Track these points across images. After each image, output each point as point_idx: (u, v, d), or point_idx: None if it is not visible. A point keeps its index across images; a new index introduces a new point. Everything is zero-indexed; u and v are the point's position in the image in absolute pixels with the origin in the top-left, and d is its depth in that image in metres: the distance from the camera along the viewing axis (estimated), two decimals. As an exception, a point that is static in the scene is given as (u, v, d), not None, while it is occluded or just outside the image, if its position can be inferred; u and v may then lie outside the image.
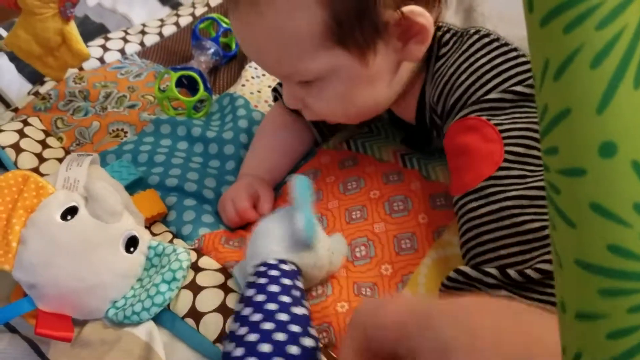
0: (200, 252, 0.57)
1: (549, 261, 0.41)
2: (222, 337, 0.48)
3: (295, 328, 0.42)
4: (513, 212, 0.44)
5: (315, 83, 0.53)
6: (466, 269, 0.44)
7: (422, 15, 0.50)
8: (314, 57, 0.50)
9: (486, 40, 0.52)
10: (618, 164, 0.16)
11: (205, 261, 0.55)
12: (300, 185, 0.49)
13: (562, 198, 0.17)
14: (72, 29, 0.71)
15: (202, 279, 0.53)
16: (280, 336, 0.41)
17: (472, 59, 0.52)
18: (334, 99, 0.54)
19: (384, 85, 0.55)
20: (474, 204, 0.47)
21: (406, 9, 0.49)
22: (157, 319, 0.50)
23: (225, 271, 0.54)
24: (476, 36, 0.53)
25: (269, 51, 0.52)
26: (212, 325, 0.49)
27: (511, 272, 0.42)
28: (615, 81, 0.16)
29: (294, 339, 0.41)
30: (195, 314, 0.50)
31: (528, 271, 0.41)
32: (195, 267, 0.54)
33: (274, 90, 0.72)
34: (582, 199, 0.17)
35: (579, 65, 0.16)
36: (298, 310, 0.44)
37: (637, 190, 0.16)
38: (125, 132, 0.74)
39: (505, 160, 0.46)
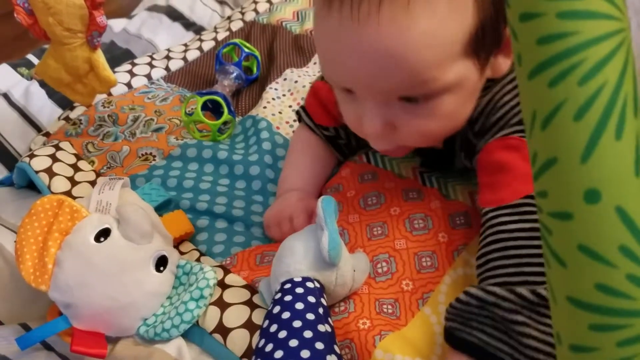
0: (227, 269, 0.58)
1: None
2: (249, 352, 0.50)
3: (320, 345, 0.43)
4: None
5: (424, 101, 0.48)
6: (480, 293, 0.44)
7: None
8: (451, 66, 0.46)
9: None
10: (603, 210, 0.17)
11: (231, 278, 0.57)
12: (325, 205, 0.50)
13: (554, 239, 0.19)
14: (100, 56, 0.73)
15: (228, 296, 0.54)
16: (305, 353, 0.42)
17: (516, 81, 0.52)
18: (444, 115, 0.49)
19: (474, 102, 0.53)
20: (506, 219, 0.47)
21: None
22: (186, 334, 0.52)
23: (250, 287, 0.56)
24: None
25: (407, 59, 0.44)
26: (239, 341, 0.51)
27: (526, 292, 0.42)
28: (598, 133, 0.17)
29: (318, 356, 0.42)
30: (222, 330, 0.52)
31: (542, 291, 0.42)
32: (222, 284, 0.56)
33: (297, 112, 0.73)
34: (571, 240, 0.18)
35: (563, 117, 0.18)
36: (323, 328, 0.45)
37: (622, 234, 0.17)
38: (154, 156, 0.77)
39: None
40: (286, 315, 0.46)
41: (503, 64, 0.51)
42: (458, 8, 0.44)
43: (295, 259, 0.50)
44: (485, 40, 0.47)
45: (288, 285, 0.49)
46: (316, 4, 0.48)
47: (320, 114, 0.69)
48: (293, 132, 0.79)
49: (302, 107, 0.72)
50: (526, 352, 0.42)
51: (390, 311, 0.52)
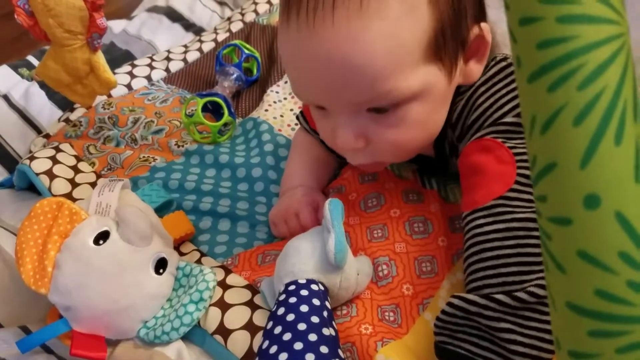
0: (228, 269, 0.59)
1: (543, 286, 0.41)
2: (250, 354, 0.50)
3: (324, 349, 0.43)
4: (518, 234, 0.44)
5: (393, 110, 0.48)
6: (462, 303, 0.44)
7: (489, 32, 0.49)
8: (413, 72, 0.45)
9: (503, 64, 0.52)
10: (602, 215, 0.17)
11: (232, 279, 0.57)
12: (333, 207, 0.50)
13: (553, 244, 0.18)
14: (100, 58, 0.74)
15: (229, 297, 0.54)
16: (309, 357, 0.42)
17: (490, 83, 0.52)
18: (416, 124, 0.49)
19: (446, 109, 0.52)
20: (482, 221, 0.47)
21: (483, 24, 0.49)
22: (188, 335, 0.52)
23: (251, 287, 0.56)
24: (493, 62, 0.53)
25: (366, 66, 0.44)
26: (239, 343, 0.51)
27: (502, 297, 0.42)
28: (597, 138, 0.17)
29: None
30: (223, 331, 0.51)
31: (520, 293, 0.41)
32: (223, 285, 0.56)
33: (297, 117, 0.74)
34: (571, 246, 0.18)
35: (562, 122, 0.17)
36: (327, 332, 0.45)
37: (622, 240, 0.17)
38: (155, 159, 0.77)
39: (517, 182, 0.46)
40: (290, 317, 0.46)
41: (475, 70, 0.51)
42: (411, 9, 0.43)
43: (301, 259, 0.50)
44: (447, 44, 0.46)
45: (292, 287, 0.48)
46: (279, 19, 0.49)
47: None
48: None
49: (301, 112, 0.73)
50: (514, 358, 0.42)
51: (391, 319, 0.52)
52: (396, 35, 0.43)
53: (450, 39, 0.46)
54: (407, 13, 0.43)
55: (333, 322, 0.48)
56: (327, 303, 0.48)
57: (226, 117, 0.79)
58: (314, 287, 0.48)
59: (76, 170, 0.74)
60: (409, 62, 0.45)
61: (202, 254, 0.63)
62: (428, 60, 0.46)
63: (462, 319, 0.44)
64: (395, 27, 0.43)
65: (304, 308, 0.46)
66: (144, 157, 0.77)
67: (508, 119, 0.50)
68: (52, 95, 0.92)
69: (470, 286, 0.47)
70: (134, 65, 1.00)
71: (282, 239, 0.64)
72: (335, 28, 0.43)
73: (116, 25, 1.17)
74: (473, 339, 0.44)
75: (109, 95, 0.90)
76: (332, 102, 0.49)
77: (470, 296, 0.44)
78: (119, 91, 0.92)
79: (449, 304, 0.45)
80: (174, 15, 1.21)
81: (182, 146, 0.79)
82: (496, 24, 0.54)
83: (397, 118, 0.48)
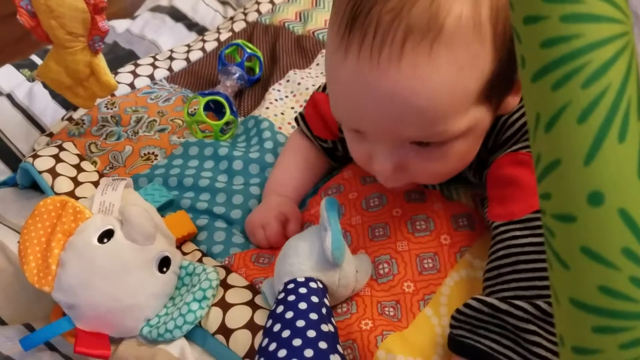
0: (229, 269, 0.59)
1: None
2: (251, 353, 0.50)
3: (323, 345, 0.44)
4: None
5: (437, 145, 0.48)
6: (493, 300, 0.44)
7: None
8: (465, 114, 0.45)
9: None
10: (606, 212, 0.17)
11: (233, 278, 0.57)
12: (329, 205, 0.50)
13: (557, 241, 0.19)
14: (101, 61, 0.74)
15: (231, 297, 0.55)
16: (308, 352, 0.43)
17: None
18: (457, 158, 0.50)
19: (483, 138, 0.52)
20: (518, 233, 0.47)
21: None
22: (189, 335, 0.53)
23: (252, 287, 0.56)
24: None
25: (426, 108, 0.43)
26: (241, 342, 0.51)
27: (541, 303, 0.42)
28: (601, 136, 0.17)
29: (322, 355, 0.43)
30: (225, 331, 0.52)
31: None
32: (225, 285, 0.56)
33: (296, 119, 0.74)
34: (574, 243, 0.18)
35: (566, 120, 0.18)
36: (326, 328, 0.45)
37: (625, 236, 0.17)
38: (156, 156, 0.77)
39: None
40: (289, 314, 0.46)
41: (512, 102, 0.50)
42: (477, 55, 0.43)
43: (299, 259, 0.50)
44: (499, 86, 0.46)
45: (291, 286, 0.49)
46: (330, 48, 0.47)
47: (318, 127, 0.69)
48: (294, 133, 0.80)
49: (301, 115, 0.73)
50: None
51: (392, 314, 0.52)
52: (460, 80, 0.43)
53: (502, 81, 0.46)
54: (472, 59, 0.43)
55: (332, 319, 0.48)
56: (326, 300, 0.49)
57: (228, 115, 0.79)
58: (312, 284, 0.49)
59: (79, 169, 0.74)
60: (465, 105, 0.45)
61: (204, 254, 0.63)
62: (480, 101, 0.46)
63: (488, 315, 0.44)
64: (460, 73, 0.43)
65: (303, 305, 0.46)
66: (145, 154, 0.77)
67: None
68: (56, 94, 0.92)
69: (499, 295, 0.47)
70: (137, 65, 1.00)
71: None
72: (402, 68, 0.42)
73: (119, 25, 1.17)
74: (495, 336, 0.44)
75: (112, 95, 0.91)
76: (378, 133, 0.48)
77: (504, 301, 0.44)
78: (121, 90, 0.92)
79: (477, 300, 0.45)
80: (177, 15, 1.21)
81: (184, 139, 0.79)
82: None
83: (440, 152, 0.48)
